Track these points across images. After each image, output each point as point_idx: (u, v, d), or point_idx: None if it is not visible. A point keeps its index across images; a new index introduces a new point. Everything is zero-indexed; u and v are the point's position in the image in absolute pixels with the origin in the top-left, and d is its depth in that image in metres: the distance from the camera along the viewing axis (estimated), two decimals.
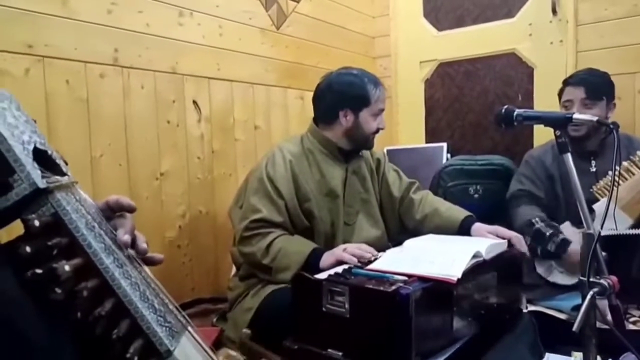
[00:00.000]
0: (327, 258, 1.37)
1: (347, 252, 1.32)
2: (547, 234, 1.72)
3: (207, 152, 1.98)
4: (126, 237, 0.50)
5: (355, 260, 1.29)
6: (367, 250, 1.33)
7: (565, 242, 1.69)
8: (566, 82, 1.87)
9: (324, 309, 1.11)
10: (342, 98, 1.56)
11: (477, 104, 2.69)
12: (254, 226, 1.45)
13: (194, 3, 1.92)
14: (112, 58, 1.65)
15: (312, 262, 1.37)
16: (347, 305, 1.07)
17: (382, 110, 1.60)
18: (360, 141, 1.61)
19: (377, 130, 1.60)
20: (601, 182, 1.69)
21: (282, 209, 1.47)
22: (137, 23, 1.73)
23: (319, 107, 1.62)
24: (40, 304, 0.43)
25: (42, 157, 0.48)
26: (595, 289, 1.00)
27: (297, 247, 1.42)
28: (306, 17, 2.47)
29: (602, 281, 1.02)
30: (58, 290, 0.42)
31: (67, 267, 0.42)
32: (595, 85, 1.79)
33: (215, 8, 2.01)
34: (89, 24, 1.58)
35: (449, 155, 2.56)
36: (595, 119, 1.12)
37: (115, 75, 1.67)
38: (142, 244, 0.52)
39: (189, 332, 0.52)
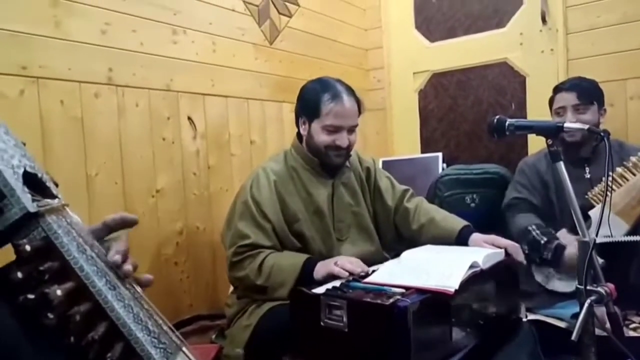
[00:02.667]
0: (320, 269, 1.35)
1: (338, 265, 1.31)
2: (542, 241, 1.72)
3: (203, 167, 1.99)
4: (116, 257, 0.50)
5: (345, 274, 1.27)
6: (357, 266, 1.30)
7: (560, 248, 1.69)
8: (557, 89, 1.89)
9: (322, 323, 1.10)
10: (300, 103, 1.57)
11: (471, 114, 2.71)
12: (242, 250, 1.42)
13: (187, 21, 1.94)
14: (106, 77, 1.66)
15: (306, 273, 1.35)
16: (345, 319, 1.07)
17: (335, 127, 1.48)
18: (317, 154, 1.54)
19: (336, 148, 1.50)
20: (596, 189, 1.69)
21: (270, 233, 1.44)
22: (131, 42, 1.74)
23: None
24: (33, 330, 0.42)
25: (32, 181, 0.48)
26: (593, 297, 1.01)
27: (290, 261, 1.40)
28: (299, 32, 2.50)
29: (599, 289, 1.02)
30: (50, 316, 0.42)
31: (59, 292, 0.42)
32: (586, 90, 1.82)
33: (209, 25, 2.03)
34: (82, 45, 1.60)
35: (444, 165, 2.57)
36: (586, 127, 1.13)
37: (110, 94, 1.67)
38: (127, 266, 0.52)
39: (184, 352, 0.52)
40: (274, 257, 1.41)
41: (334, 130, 1.50)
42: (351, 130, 1.54)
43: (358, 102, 1.56)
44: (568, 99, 1.82)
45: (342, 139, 1.50)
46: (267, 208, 1.45)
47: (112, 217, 0.56)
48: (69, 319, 0.43)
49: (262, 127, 2.27)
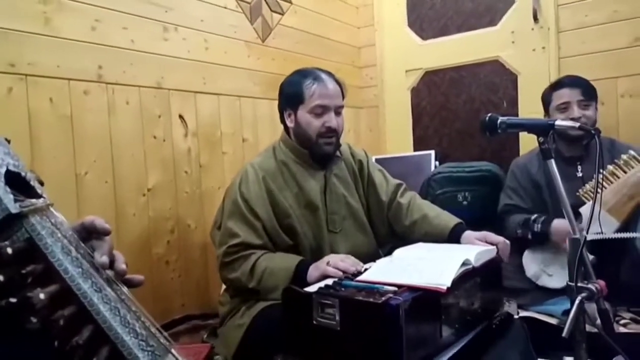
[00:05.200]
0: (312, 272, 1.33)
1: (330, 265, 1.29)
2: (532, 218, 1.79)
3: (194, 166, 1.98)
4: (104, 259, 0.49)
5: (340, 273, 1.26)
6: (351, 263, 1.30)
7: (548, 220, 1.75)
8: (557, 86, 1.89)
9: (314, 322, 1.10)
10: (283, 98, 1.56)
11: (463, 111, 2.72)
12: (233, 251, 1.41)
13: (178, 18, 1.92)
14: (96, 75, 1.64)
15: (299, 277, 1.34)
16: (337, 318, 1.07)
17: (322, 106, 1.48)
18: (307, 143, 1.51)
19: (327, 130, 1.49)
20: (587, 186, 1.70)
21: (260, 231, 1.43)
22: (122, 39, 1.72)
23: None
24: (15, 336, 0.42)
25: (15, 180, 0.46)
26: (583, 294, 1.01)
27: (282, 264, 1.38)
28: (291, 29, 2.49)
29: (589, 286, 1.02)
30: (34, 320, 0.41)
31: (42, 295, 0.41)
32: (588, 86, 1.85)
33: (200, 22, 2.01)
34: (72, 42, 1.58)
35: (437, 162, 2.57)
36: (577, 125, 1.13)
37: (100, 92, 1.66)
38: (121, 264, 0.51)
39: (172, 354, 0.51)
40: (266, 259, 1.39)
41: (321, 112, 1.49)
42: (338, 112, 1.53)
43: (340, 84, 1.56)
44: (573, 94, 1.83)
45: (331, 120, 1.50)
46: (256, 206, 1.43)
47: (89, 220, 0.55)
48: (53, 323, 0.42)
49: (254, 125, 2.26)
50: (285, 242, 1.47)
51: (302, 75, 1.53)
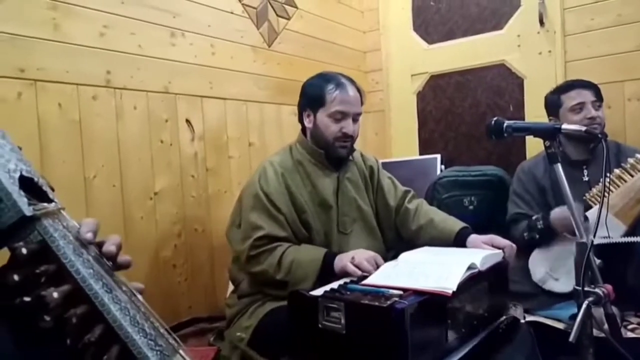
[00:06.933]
0: (337, 263, 1.36)
1: (355, 262, 1.31)
2: (533, 217, 1.79)
3: (201, 170, 1.99)
4: (89, 235, 0.49)
5: (359, 273, 1.28)
6: (375, 263, 1.31)
7: (547, 215, 1.75)
8: (568, 87, 1.88)
9: (320, 325, 1.10)
10: (304, 98, 1.59)
11: (469, 115, 2.72)
12: (259, 244, 1.42)
13: (186, 23, 1.94)
14: (104, 80, 1.66)
15: (327, 267, 1.36)
16: (343, 321, 1.07)
17: (342, 113, 1.51)
18: (324, 145, 1.55)
19: (343, 136, 1.52)
20: (594, 190, 1.70)
21: (284, 223, 1.45)
22: (129, 45, 1.74)
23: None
24: (27, 336, 0.43)
25: (28, 185, 0.48)
26: (590, 298, 1.01)
27: (309, 256, 1.40)
28: (297, 34, 2.50)
29: (596, 290, 1.02)
30: (47, 318, 0.42)
31: (55, 294, 0.42)
32: (597, 88, 1.86)
33: (207, 28, 2.03)
34: (80, 47, 1.60)
35: (443, 166, 2.57)
36: (583, 129, 1.13)
37: (108, 97, 1.68)
38: (110, 246, 0.51)
39: (181, 355, 0.52)
40: (293, 251, 1.41)
41: (340, 117, 1.52)
42: (355, 119, 1.56)
43: (360, 92, 1.59)
44: (586, 95, 1.83)
45: (349, 126, 1.53)
46: (277, 200, 1.46)
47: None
48: (65, 322, 0.43)
49: (260, 130, 2.27)
50: (304, 235, 1.49)
51: (325, 79, 1.56)
